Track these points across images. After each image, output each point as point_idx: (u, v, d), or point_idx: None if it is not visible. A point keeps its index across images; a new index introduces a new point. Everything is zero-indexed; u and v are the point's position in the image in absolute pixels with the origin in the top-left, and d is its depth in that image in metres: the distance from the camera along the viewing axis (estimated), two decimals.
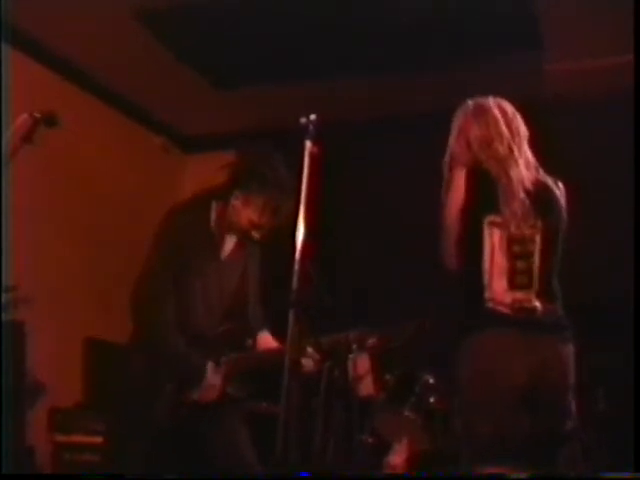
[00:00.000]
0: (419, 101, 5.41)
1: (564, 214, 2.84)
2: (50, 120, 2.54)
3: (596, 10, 4.44)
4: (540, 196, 2.78)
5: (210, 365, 2.99)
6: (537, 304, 2.69)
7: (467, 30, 4.81)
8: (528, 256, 2.72)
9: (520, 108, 2.91)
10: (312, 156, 2.56)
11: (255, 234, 3.06)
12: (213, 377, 2.99)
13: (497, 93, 2.92)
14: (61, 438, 4.55)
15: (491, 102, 2.87)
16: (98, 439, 4.50)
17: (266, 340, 3.23)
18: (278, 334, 3.03)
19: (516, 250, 2.71)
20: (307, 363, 3.04)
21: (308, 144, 2.57)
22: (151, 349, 2.99)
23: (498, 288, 2.69)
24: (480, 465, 2.62)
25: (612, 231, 4.61)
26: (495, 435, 2.59)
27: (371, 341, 3.18)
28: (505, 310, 2.67)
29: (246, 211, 3.03)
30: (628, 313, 3.57)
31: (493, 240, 2.70)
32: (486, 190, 2.74)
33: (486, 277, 2.69)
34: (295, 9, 4.62)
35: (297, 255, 2.47)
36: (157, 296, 2.95)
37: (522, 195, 2.72)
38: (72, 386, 5.03)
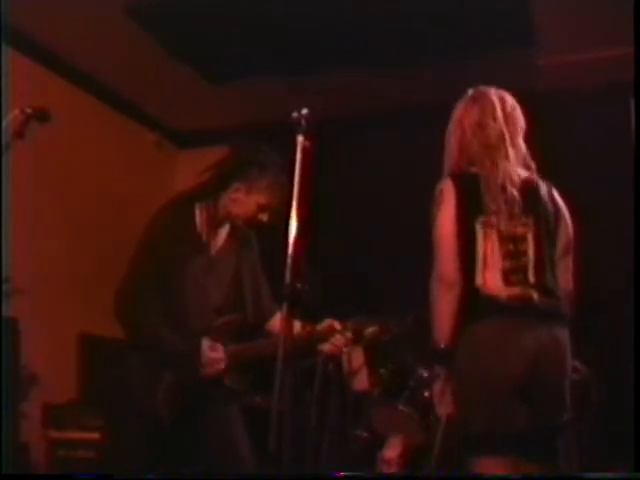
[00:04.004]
0: (416, 96, 5.41)
1: (558, 211, 2.83)
2: (41, 115, 2.54)
3: (593, 0, 4.45)
4: (530, 192, 2.76)
5: (205, 343, 2.99)
6: (534, 296, 2.69)
7: (464, 24, 4.80)
8: (522, 254, 2.71)
9: (519, 103, 2.91)
10: (304, 150, 2.55)
11: (263, 217, 3.09)
12: (212, 352, 2.99)
13: (495, 87, 2.92)
14: (56, 434, 4.55)
15: (492, 90, 2.87)
16: (93, 435, 4.50)
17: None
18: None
19: (510, 249, 2.70)
20: (336, 342, 3.10)
21: (300, 138, 2.56)
22: (142, 345, 2.99)
23: (493, 286, 2.68)
24: (476, 456, 2.63)
25: (612, 226, 4.62)
26: (492, 426, 2.59)
27: (370, 330, 3.19)
28: (501, 302, 2.67)
29: (252, 197, 3.06)
30: (628, 308, 3.57)
31: (486, 240, 2.69)
32: (474, 192, 2.72)
33: (480, 277, 2.68)
34: (290, 2, 4.61)
35: (289, 249, 2.47)
36: (142, 296, 2.95)
37: (509, 187, 2.71)
38: (67, 382, 5.03)
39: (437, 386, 2.74)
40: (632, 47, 3.33)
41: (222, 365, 2.99)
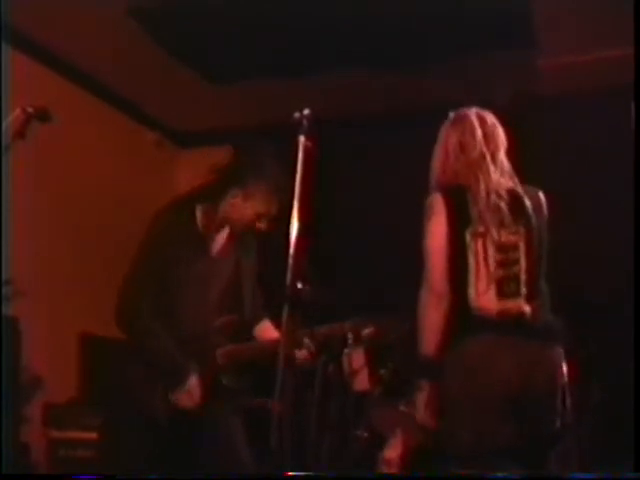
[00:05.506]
0: (416, 96, 5.41)
1: (545, 218, 2.83)
2: (42, 115, 2.54)
3: (593, 1, 4.45)
4: (517, 203, 2.76)
5: (194, 371, 2.99)
6: (526, 309, 2.68)
7: (464, 24, 4.80)
8: (513, 263, 2.71)
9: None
10: (306, 151, 2.55)
11: (261, 225, 3.08)
12: (194, 383, 2.98)
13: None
14: (56, 434, 4.55)
15: (472, 111, 2.88)
16: (93, 435, 4.50)
17: (267, 329, 3.23)
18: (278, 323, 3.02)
19: (501, 258, 2.70)
20: (302, 355, 3.04)
21: (302, 139, 2.56)
22: (140, 350, 3.00)
23: (486, 298, 2.67)
24: (465, 469, 2.62)
25: (613, 229, 4.62)
26: (479, 443, 2.58)
27: (367, 331, 3.18)
28: (493, 318, 2.67)
29: (249, 204, 3.05)
30: (628, 308, 3.57)
31: (477, 251, 2.69)
32: (463, 204, 2.72)
33: (473, 289, 2.68)
34: (291, 2, 4.61)
35: (291, 249, 2.48)
36: (142, 298, 2.96)
37: (494, 195, 2.71)
38: (67, 382, 5.04)
39: (421, 398, 2.73)
40: (632, 48, 3.33)
41: (192, 402, 2.96)
